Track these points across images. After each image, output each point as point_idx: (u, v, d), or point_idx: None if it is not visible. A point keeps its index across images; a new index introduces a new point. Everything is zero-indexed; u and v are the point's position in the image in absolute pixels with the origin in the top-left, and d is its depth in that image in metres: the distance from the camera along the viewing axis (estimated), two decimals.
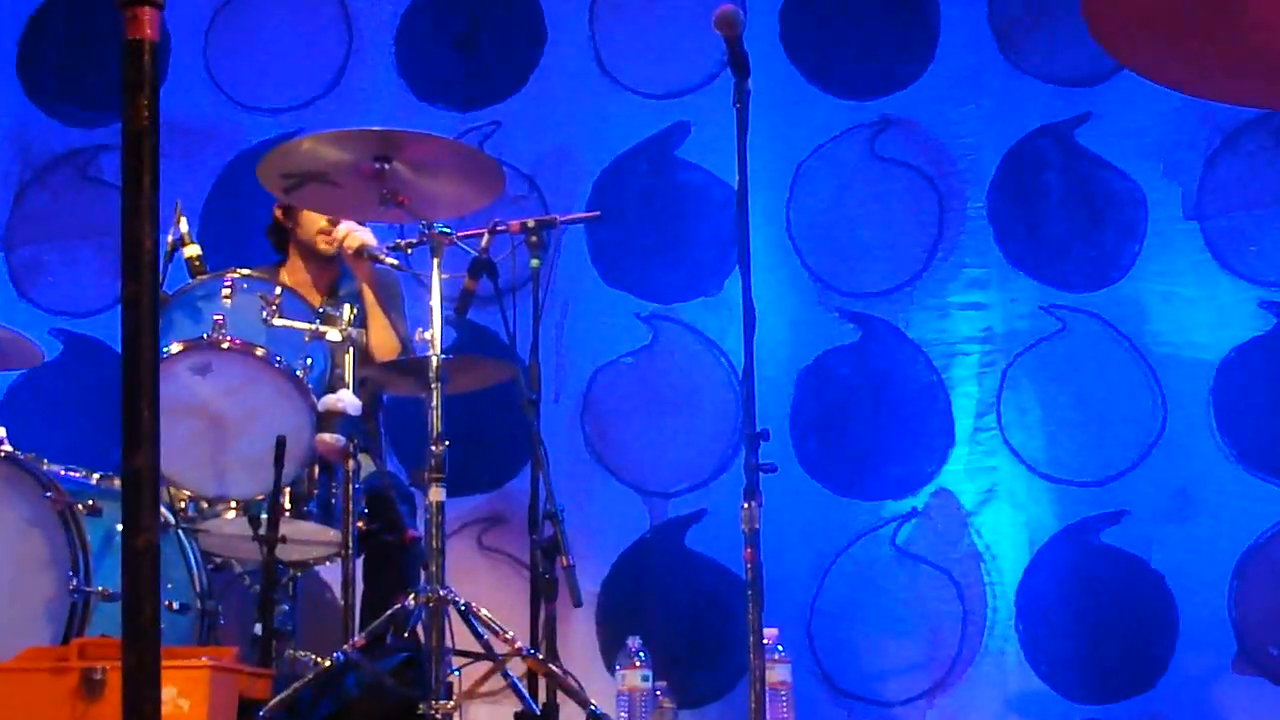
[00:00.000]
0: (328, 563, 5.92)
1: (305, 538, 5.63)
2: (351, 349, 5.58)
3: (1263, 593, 6.53)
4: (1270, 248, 6.79)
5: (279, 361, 5.41)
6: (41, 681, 4.61)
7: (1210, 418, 6.73)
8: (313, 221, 6.19)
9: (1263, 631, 6.50)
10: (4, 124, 7.79)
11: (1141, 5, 2.39)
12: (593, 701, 4.99)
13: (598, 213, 6.92)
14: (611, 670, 5.82)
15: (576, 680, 5.24)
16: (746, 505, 4.17)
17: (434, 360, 5.18)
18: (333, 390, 5.50)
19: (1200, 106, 6.71)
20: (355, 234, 5.98)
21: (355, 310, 5.64)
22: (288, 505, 5.42)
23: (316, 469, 5.55)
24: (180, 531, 5.55)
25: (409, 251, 5.78)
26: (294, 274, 6.27)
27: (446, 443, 5.14)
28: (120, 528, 4.83)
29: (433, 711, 4.76)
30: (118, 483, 5.35)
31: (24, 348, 6.38)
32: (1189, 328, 6.81)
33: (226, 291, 5.47)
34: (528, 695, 5.30)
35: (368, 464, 5.92)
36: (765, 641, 4.20)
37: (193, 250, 5.71)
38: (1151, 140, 6.93)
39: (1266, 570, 6.55)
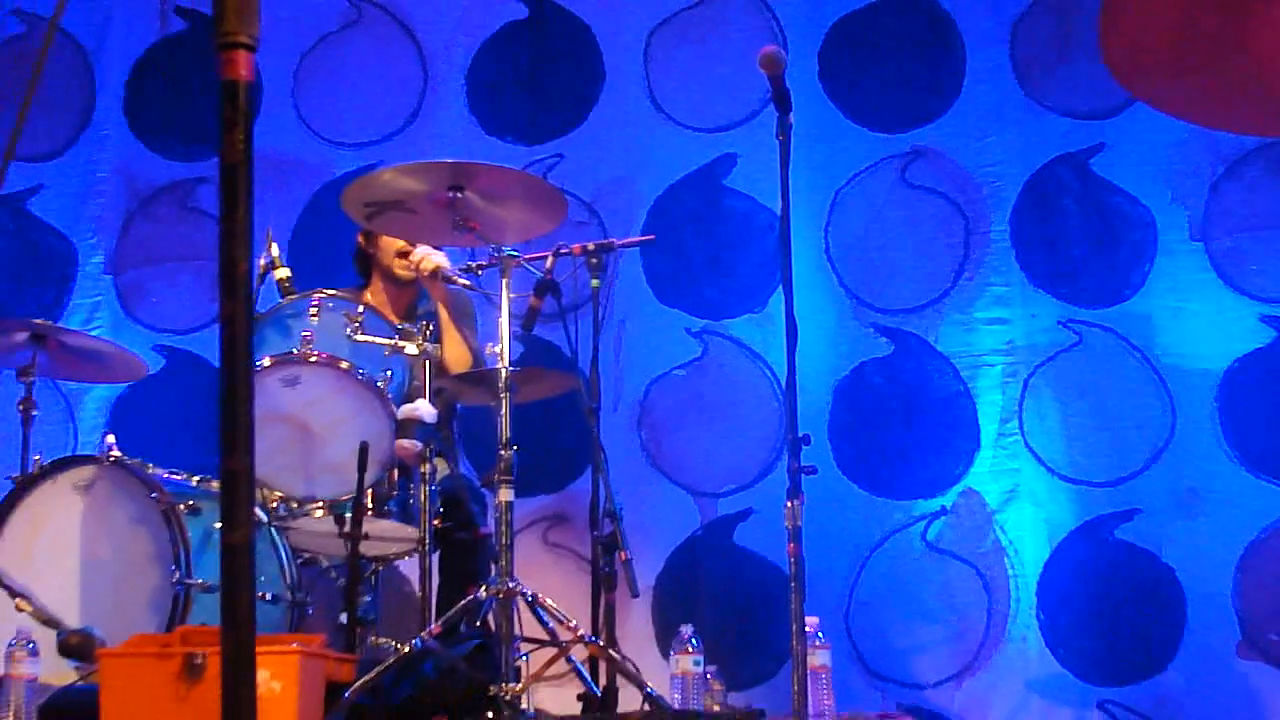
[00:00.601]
0: (406, 558, 5.93)
1: (386, 535, 5.64)
2: (427, 362, 5.58)
3: (1264, 584, 6.50)
4: (1270, 267, 6.77)
5: (361, 374, 5.42)
6: (148, 665, 4.63)
7: (1216, 423, 6.69)
8: (392, 247, 6.21)
9: (1264, 620, 6.47)
10: (113, 160, 7.83)
11: (1154, 43, 2.39)
12: (649, 684, 4.97)
13: (652, 236, 6.92)
14: (666, 655, 5.81)
15: (634, 665, 5.21)
16: (789, 504, 4.16)
17: (503, 372, 5.17)
18: (410, 400, 5.51)
19: (1205, 136, 6.69)
20: (431, 257, 6.00)
21: (431, 327, 5.65)
22: (370, 505, 5.43)
23: (396, 472, 5.57)
24: (272, 529, 5.57)
25: (480, 273, 5.79)
26: (376, 295, 6.28)
27: (515, 447, 5.14)
28: (218, 525, 4.86)
29: (503, 693, 4.76)
30: (215, 484, 5.37)
31: (131, 362, 6.44)
32: (1195, 340, 6.78)
33: (313, 310, 5.49)
34: (589, 678, 5.30)
35: (443, 467, 5.94)
36: (807, 629, 4.19)
37: (283, 272, 5.71)
38: (1160, 168, 6.91)
39: (1268, 564, 6.53)
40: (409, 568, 6.18)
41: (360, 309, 5.53)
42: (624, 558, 5.59)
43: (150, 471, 5.50)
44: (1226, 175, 6.86)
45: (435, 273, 5.99)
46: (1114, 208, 6.97)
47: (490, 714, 4.73)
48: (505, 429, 5.14)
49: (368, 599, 5.62)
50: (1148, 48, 2.42)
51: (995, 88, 7.15)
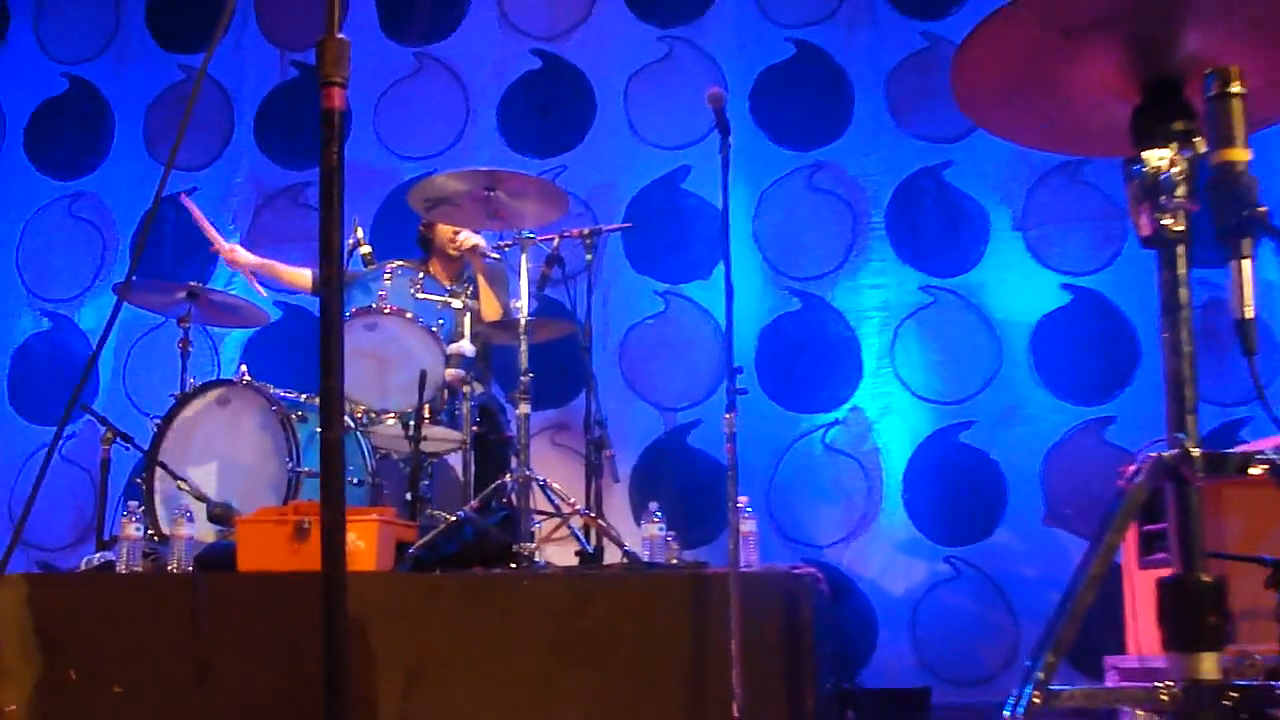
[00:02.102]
0: (453, 453, 5.93)
1: (439, 437, 5.64)
2: (469, 314, 5.60)
3: (1062, 475, 6.56)
4: (1069, 249, 6.78)
5: (421, 322, 5.42)
6: (270, 529, 4.64)
7: (1029, 360, 6.71)
8: (444, 231, 6.19)
9: (1061, 499, 6.52)
10: (246, 169, 7.78)
11: (991, 85, 2.40)
12: (626, 544, 4.99)
13: (630, 224, 6.88)
14: (638, 524, 5.80)
15: (616, 530, 5.24)
16: (727, 416, 4.16)
17: (523, 321, 5.17)
18: (456, 341, 5.52)
19: (1025, 154, 6.66)
20: (471, 239, 6.00)
21: (471, 289, 5.64)
22: (427, 416, 5.42)
23: (446, 392, 5.57)
24: (358, 432, 5.57)
25: (507, 249, 5.78)
26: (433, 267, 6.27)
27: (531, 374, 5.14)
28: (319, 429, 4.84)
29: (522, 550, 4.77)
30: (317, 399, 5.37)
31: (258, 313, 6.45)
32: (1015, 301, 6.79)
33: (387, 276, 5.51)
34: (584, 540, 5.31)
35: (479, 389, 5.93)
36: (739, 505, 4.19)
37: (365, 249, 5.72)
38: (993, 178, 6.89)
39: (1064, 460, 6.57)
40: (455, 461, 6.18)
41: (421, 276, 5.57)
42: (609, 454, 5.60)
43: (271, 390, 5.52)
44: (1039, 183, 6.86)
45: (475, 249, 5.99)
46: (959, 206, 6.96)
47: (513, 564, 4.74)
48: (524, 361, 5.14)
49: (426, 483, 5.62)
50: (986, 88, 2.43)
51: (875, 120, 7.12)
